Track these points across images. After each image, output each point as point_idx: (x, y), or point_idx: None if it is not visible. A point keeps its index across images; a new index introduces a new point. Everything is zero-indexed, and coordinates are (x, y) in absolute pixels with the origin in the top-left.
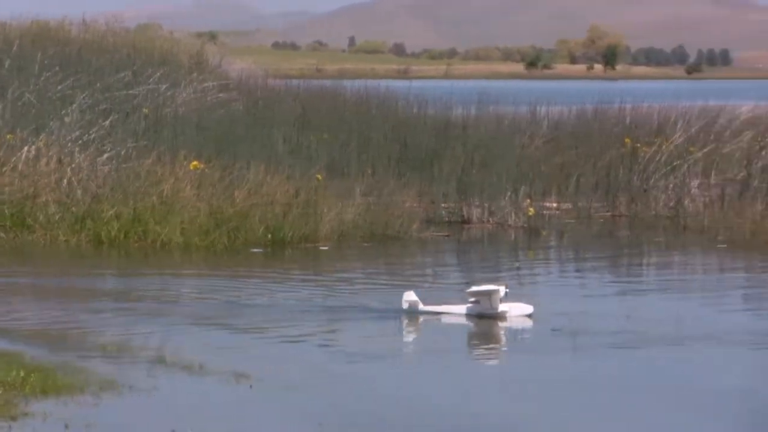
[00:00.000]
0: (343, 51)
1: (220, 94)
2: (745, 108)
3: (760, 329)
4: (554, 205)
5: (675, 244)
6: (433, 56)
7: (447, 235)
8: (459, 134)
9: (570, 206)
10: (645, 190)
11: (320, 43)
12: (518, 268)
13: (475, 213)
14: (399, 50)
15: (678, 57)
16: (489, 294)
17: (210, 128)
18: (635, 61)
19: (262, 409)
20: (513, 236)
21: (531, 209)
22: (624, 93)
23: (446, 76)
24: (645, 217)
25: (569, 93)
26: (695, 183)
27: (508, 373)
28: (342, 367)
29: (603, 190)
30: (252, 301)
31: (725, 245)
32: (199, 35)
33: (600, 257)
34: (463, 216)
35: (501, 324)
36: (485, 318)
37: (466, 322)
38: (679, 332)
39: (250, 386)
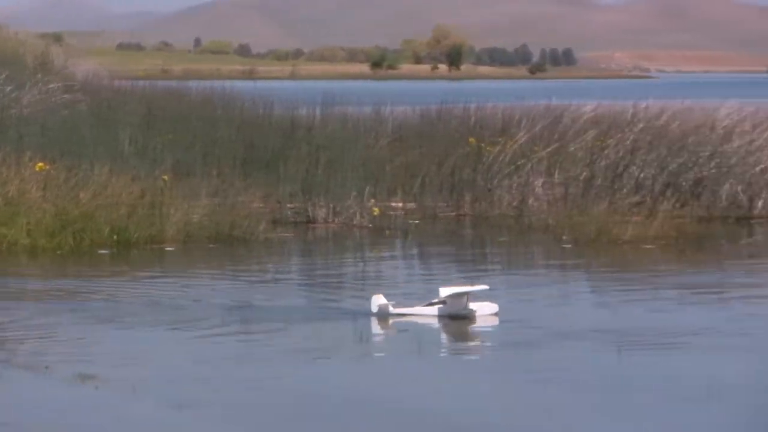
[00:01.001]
0: (189, 52)
1: (66, 95)
2: (589, 107)
3: (607, 327)
4: (399, 204)
5: (519, 243)
6: (278, 57)
7: (292, 236)
8: (304, 135)
9: (415, 206)
10: (489, 190)
11: (166, 44)
12: (363, 268)
13: (321, 213)
14: (244, 51)
15: (521, 57)
16: (462, 295)
17: (55, 129)
18: (479, 61)
19: (103, 411)
20: (358, 236)
21: (376, 209)
22: (468, 93)
23: (292, 76)
24: (490, 217)
25: (414, 93)
26: (539, 182)
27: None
28: (193, 368)
29: (448, 189)
30: (96, 301)
31: (570, 244)
32: (44, 36)
33: (444, 256)
34: (308, 216)
35: (468, 323)
36: (457, 318)
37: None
38: (524, 330)
39: (96, 387)
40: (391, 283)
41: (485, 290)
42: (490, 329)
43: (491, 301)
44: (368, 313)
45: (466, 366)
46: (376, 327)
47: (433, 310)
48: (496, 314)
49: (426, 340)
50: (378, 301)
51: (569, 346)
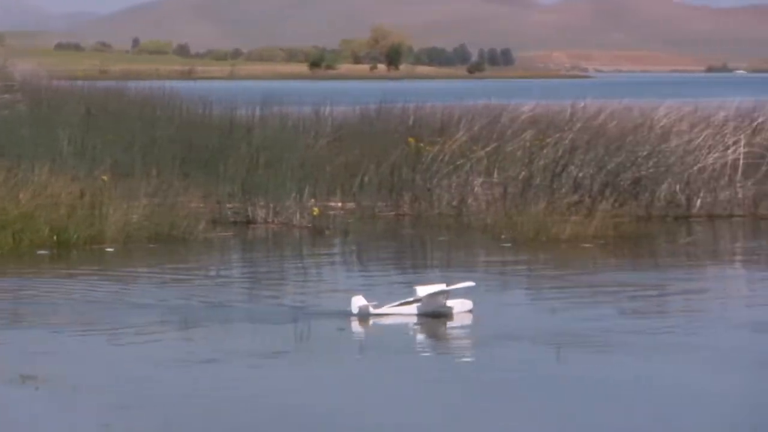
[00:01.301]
0: (128, 52)
1: (5, 96)
2: (527, 107)
3: (545, 327)
4: (339, 204)
5: (458, 242)
6: (217, 57)
7: (232, 235)
8: (244, 135)
9: (354, 206)
10: (429, 189)
11: (104, 44)
12: (303, 268)
13: (261, 213)
14: (183, 51)
15: (460, 57)
16: (441, 294)
17: None
18: (418, 60)
19: (42, 411)
20: (298, 236)
21: (316, 209)
22: (407, 93)
23: (231, 76)
24: (429, 216)
25: (353, 93)
26: (478, 182)
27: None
28: (133, 369)
29: (387, 189)
30: (35, 302)
31: (508, 244)
32: None
33: (384, 256)
34: (248, 216)
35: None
36: (436, 316)
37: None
38: (460, 331)
39: (36, 388)
40: (331, 283)
41: (470, 287)
42: (431, 330)
43: (465, 298)
44: (348, 314)
45: (392, 368)
46: (317, 328)
47: (413, 309)
48: (470, 311)
49: (369, 343)
50: (358, 302)
51: (507, 347)
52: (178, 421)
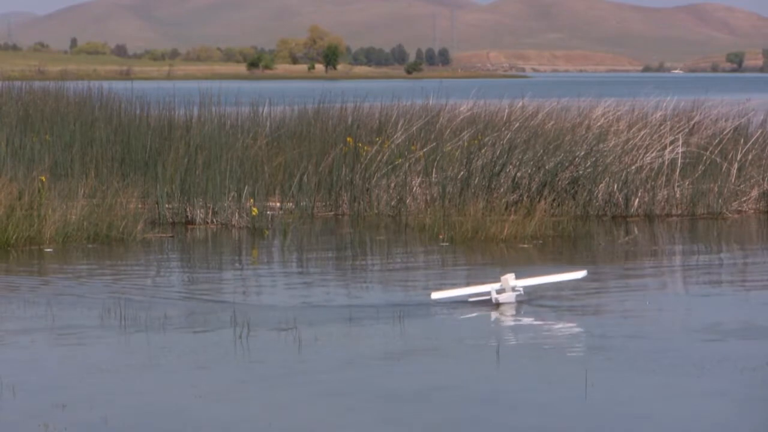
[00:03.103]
0: (65, 52)
1: None
2: (465, 107)
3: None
4: (277, 204)
5: (397, 241)
6: (155, 57)
7: (171, 236)
8: (182, 135)
9: (293, 206)
10: (367, 189)
11: (42, 45)
12: (241, 267)
13: (199, 213)
14: (121, 51)
15: (398, 56)
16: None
17: None
18: (356, 60)
19: None
20: (236, 236)
21: (254, 209)
22: (345, 93)
23: (168, 77)
24: (368, 216)
25: (291, 93)
26: (417, 181)
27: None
28: (67, 373)
29: (326, 189)
30: None
31: (447, 243)
32: None
33: (324, 256)
34: (187, 216)
35: None
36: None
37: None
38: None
39: None
40: (270, 282)
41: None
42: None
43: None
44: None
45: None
46: (256, 329)
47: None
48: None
49: (305, 341)
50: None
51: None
52: (116, 421)
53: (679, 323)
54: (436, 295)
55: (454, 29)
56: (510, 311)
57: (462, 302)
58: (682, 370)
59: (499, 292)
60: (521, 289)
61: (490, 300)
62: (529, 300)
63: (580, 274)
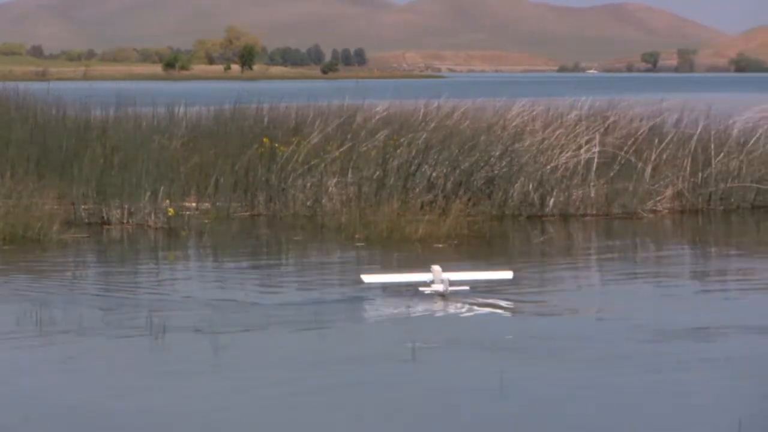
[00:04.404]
0: None
1: None
2: (381, 107)
3: (395, 327)
4: (194, 205)
5: (313, 242)
6: (71, 58)
7: (87, 237)
8: (98, 135)
9: (209, 206)
10: (283, 189)
11: None
12: (157, 268)
13: (115, 214)
14: (37, 52)
15: (314, 57)
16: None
17: None
18: (272, 61)
19: None
20: (153, 237)
21: (171, 210)
22: (261, 93)
23: (85, 77)
24: (284, 216)
25: (207, 93)
26: (333, 182)
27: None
28: None
29: (242, 189)
30: None
31: (362, 243)
32: None
33: (240, 256)
34: (103, 217)
35: None
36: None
37: None
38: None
39: None
40: (185, 283)
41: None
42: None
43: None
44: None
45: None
46: (171, 330)
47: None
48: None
49: (224, 344)
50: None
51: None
52: (37, 421)
53: (593, 319)
54: (367, 278)
55: (372, 30)
56: (429, 307)
57: (382, 298)
58: (596, 364)
59: (431, 282)
60: (448, 280)
61: (438, 292)
62: (447, 297)
63: (507, 274)
